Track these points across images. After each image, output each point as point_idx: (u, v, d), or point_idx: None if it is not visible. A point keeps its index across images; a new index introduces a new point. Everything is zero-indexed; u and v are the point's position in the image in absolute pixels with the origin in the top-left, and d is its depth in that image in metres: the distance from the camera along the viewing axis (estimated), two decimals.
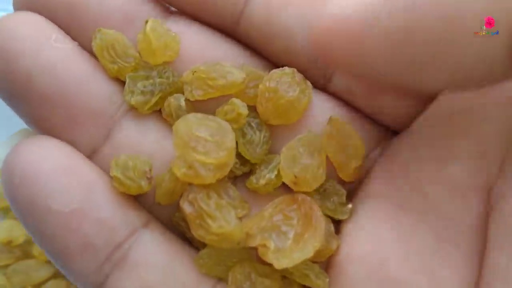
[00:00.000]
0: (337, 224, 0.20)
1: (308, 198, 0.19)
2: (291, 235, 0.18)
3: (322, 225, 0.19)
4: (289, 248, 0.18)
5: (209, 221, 0.18)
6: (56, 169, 0.18)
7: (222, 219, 0.18)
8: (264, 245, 0.18)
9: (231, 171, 0.20)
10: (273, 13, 0.20)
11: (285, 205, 0.19)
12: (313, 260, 0.19)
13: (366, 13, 0.15)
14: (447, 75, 0.15)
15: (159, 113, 0.20)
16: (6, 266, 0.33)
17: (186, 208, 0.18)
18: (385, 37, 0.15)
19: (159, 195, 0.19)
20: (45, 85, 0.19)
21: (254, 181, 0.20)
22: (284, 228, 0.19)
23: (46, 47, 0.19)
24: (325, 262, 0.20)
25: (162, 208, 0.20)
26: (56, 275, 0.33)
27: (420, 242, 0.18)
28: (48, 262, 0.33)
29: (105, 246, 0.18)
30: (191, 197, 0.18)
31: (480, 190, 0.18)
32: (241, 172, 0.21)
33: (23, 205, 0.18)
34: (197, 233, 0.18)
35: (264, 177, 0.20)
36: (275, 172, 0.20)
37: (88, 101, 0.19)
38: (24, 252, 0.33)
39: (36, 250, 0.33)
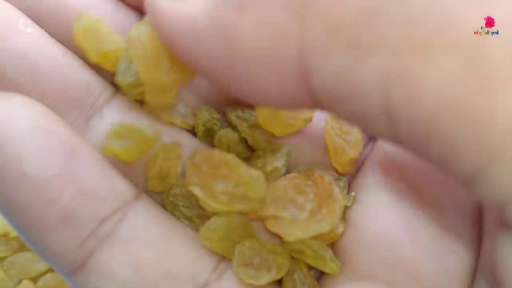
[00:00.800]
0: None
1: (326, 174, 0.18)
2: (308, 207, 0.18)
3: (340, 200, 0.18)
4: (305, 220, 0.17)
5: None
6: (33, 130, 0.16)
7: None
8: (275, 216, 0.17)
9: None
10: None
11: (299, 180, 0.18)
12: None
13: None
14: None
15: (142, 103, 0.19)
16: (3, 258, 0.32)
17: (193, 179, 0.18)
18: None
19: (151, 178, 0.18)
20: (16, 71, 0.17)
21: (260, 165, 0.19)
22: (300, 201, 0.18)
23: (15, 31, 0.17)
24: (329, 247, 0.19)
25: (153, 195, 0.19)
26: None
27: (425, 230, 0.18)
28: None
29: (89, 219, 0.16)
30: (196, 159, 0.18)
31: None
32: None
33: None
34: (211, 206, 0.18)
35: (271, 163, 0.19)
36: (282, 161, 0.19)
37: (65, 88, 0.18)
38: (21, 244, 0.32)
39: None
